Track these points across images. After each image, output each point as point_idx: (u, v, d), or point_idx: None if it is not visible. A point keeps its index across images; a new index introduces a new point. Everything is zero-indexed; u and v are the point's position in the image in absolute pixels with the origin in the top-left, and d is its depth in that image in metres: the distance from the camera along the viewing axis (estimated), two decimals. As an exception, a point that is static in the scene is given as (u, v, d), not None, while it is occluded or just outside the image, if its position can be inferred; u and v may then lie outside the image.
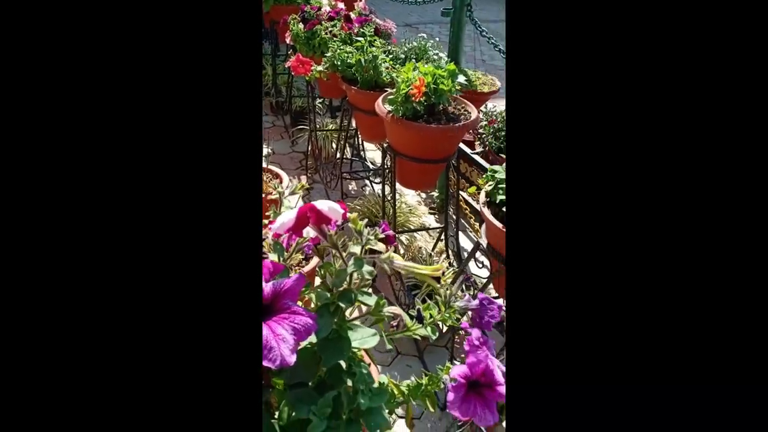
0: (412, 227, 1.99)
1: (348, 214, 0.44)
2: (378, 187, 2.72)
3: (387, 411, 0.55)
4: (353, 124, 2.20)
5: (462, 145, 2.02)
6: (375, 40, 1.81)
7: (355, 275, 0.44)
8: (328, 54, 1.85)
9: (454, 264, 1.74)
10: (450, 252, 1.79)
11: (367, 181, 2.64)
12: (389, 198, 1.69)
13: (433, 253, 1.89)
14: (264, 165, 2.20)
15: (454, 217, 1.77)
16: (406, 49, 1.98)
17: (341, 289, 0.43)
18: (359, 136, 2.74)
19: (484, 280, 1.26)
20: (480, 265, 1.68)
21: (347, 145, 2.76)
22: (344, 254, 0.44)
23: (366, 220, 0.48)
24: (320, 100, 2.97)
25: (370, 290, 0.45)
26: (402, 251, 2.01)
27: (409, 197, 2.55)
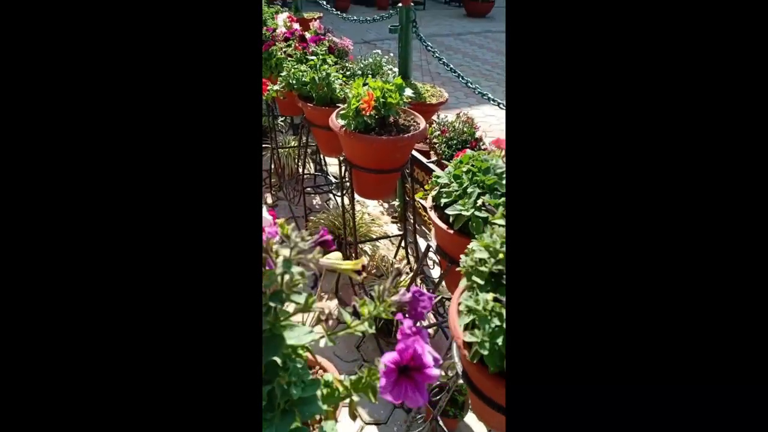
0: (374, 236, 2.03)
1: (276, 221, 0.49)
2: (343, 200, 2.77)
3: (328, 405, 0.59)
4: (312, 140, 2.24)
5: (418, 155, 2.10)
6: (327, 58, 1.88)
7: (286, 276, 0.48)
8: (283, 73, 1.90)
9: (414, 267, 1.80)
10: (410, 257, 1.85)
11: (331, 195, 2.68)
12: (349, 209, 1.74)
13: (395, 260, 1.94)
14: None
15: (413, 223, 1.83)
16: (362, 66, 2.06)
17: (272, 290, 0.48)
18: (320, 152, 2.79)
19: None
20: (433, 266, 1.73)
21: (311, 160, 2.81)
22: (276, 259, 0.49)
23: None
24: (282, 119, 3.01)
25: (302, 290, 0.49)
26: (367, 260, 2.05)
27: (371, 208, 2.61)
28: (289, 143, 2.81)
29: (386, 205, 2.67)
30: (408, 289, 0.60)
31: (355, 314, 0.57)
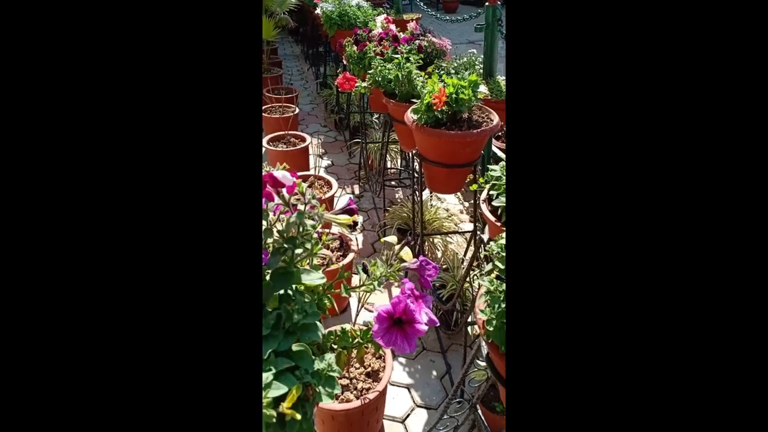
0: (445, 231, 2.08)
1: (296, 182, 0.60)
2: (426, 194, 2.84)
3: (341, 347, 0.69)
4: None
5: (498, 151, 2.09)
6: (411, 56, 1.97)
7: (300, 227, 0.59)
8: (371, 71, 2.04)
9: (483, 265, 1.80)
10: (480, 254, 1.86)
11: (412, 190, 2.77)
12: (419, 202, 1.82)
13: (465, 258, 1.97)
14: (322, 174, 2.44)
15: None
16: (455, 65, 2.12)
17: (288, 235, 0.59)
18: (403, 148, 2.90)
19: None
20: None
21: (399, 156, 2.94)
22: (294, 213, 0.60)
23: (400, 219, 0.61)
24: (376, 116, 3.19)
25: (313, 239, 0.59)
26: (439, 255, 2.11)
27: (451, 205, 2.65)
28: (379, 139, 2.98)
29: (467, 204, 2.68)
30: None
31: (365, 272, 0.65)
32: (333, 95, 3.80)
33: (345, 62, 2.49)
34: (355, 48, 2.37)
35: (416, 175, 1.84)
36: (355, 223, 0.62)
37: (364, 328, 0.69)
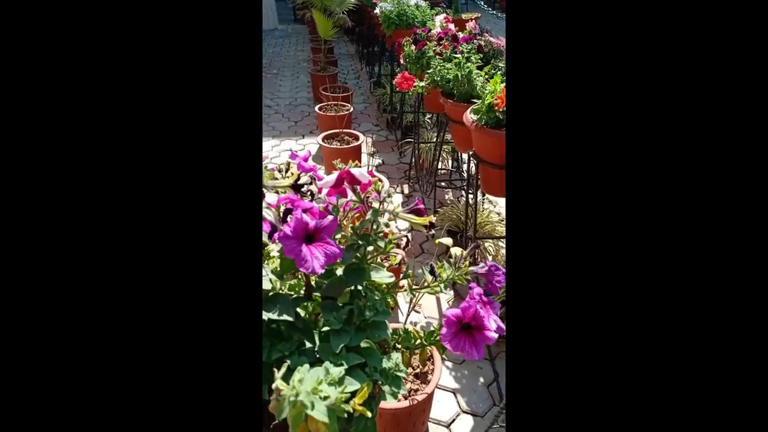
0: (497, 236, 2.03)
1: (372, 180, 0.60)
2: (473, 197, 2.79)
3: (405, 347, 0.69)
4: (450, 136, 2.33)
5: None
6: (472, 56, 1.94)
7: (375, 225, 0.59)
8: (430, 71, 2.03)
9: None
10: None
11: (463, 192, 2.74)
12: (473, 204, 1.79)
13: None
14: (373, 172, 2.47)
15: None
16: (511, 65, 2.07)
17: (362, 232, 0.59)
18: (457, 149, 2.86)
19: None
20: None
21: (450, 157, 2.91)
22: (370, 210, 0.60)
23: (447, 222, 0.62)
24: (429, 115, 3.18)
25: (383, 236, 0.60)
26: (490, 259, 2.06)
27: (503, 209, 2.58)
28: (431, 139, 2.96)
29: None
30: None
31: (432, 273, 0.65)
32: (386, 94, 3.82)
33: (402, 62, 2.50)
34: (413, 47, 2.36)
35: (470, 176, 1.81)
36: (432, 224, 0.62)
37: (429, 329, 0.69)
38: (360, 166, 0.69)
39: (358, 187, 0.60)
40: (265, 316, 0.56)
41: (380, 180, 2.37)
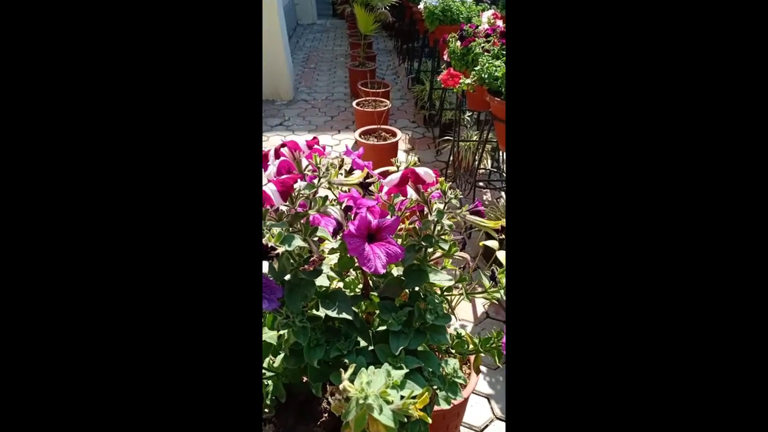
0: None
1: (439, 180, 0.58)
2: (514, 200, 2.72)
3: (457, 353, 0.67)
4: (493, 136, 2.28)
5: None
6: (522, 54, 1.88)
7: (438, 225, 0.57)
8: (477, 68, 1.98)
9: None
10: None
11: (503, 193, 2.67)
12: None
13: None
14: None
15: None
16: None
17: (424, 233, 0.57)
18: (500, 148, 2.80)
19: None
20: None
21: (489, 157, 2.85)
22: (433, 210, 0.58)
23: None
24: (468, 114, 3.12)
25: (447, 239, 0.57)
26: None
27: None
28: (470, 137, 2.90)
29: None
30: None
31: (493, 279, 0.62)
32: (425, 91, 3.78)
33: (446, 58, 2.45)
34: (458, 44, 2.32)
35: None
36: (503, 227, 0.59)
37: (483, 337, 0.66)
38: (400, 165, 0.67)
39: (421, 186, 0.58)
40: (323, 312, 0.55)
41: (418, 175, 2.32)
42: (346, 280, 0.63)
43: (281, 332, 0.55)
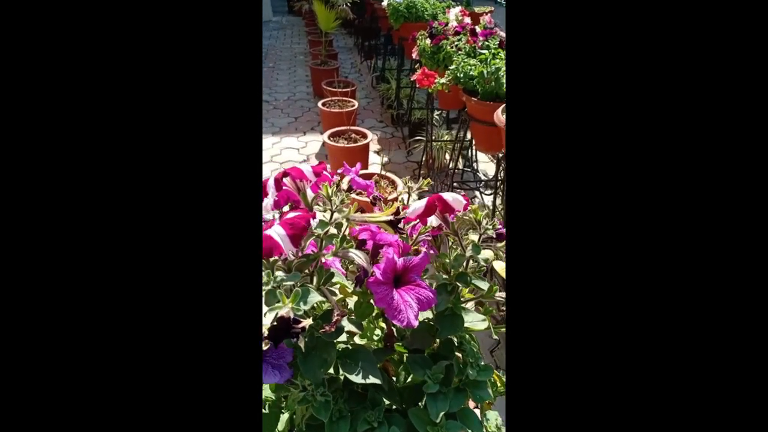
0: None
1: (469, 206, 0.50)
2: (488, 199, 2.70)
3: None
4: (468, 135, 2.24)
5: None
6: (499, 52, 1.84)
7: (471, 262, 0.49)
8: (452, 66, 1.92)
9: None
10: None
11: (477, 193, 2.64)
12: (500, 209, 1.70)
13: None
14: (382, 172, 2.36)
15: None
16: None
17: (458, 271, 0.49)
18: (473, 147, 2.77)
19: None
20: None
21: (460, 156, 2.81)
22: (463, 242, 0.50)
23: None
24: (438, 113, 3.07)
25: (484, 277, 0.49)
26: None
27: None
28: (442, 137, 2.86)
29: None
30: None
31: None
32: (392, 90, 3.70)
33: (415, 56, 2.38)
34: (428, 42, 2.25)
35: (498, 179, 1.72)
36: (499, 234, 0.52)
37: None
38: (368, 166, 0.58)
39: (450, 215, 0.49)
40: (344, 374, 0.45)
41: (393, 182, 2.26)
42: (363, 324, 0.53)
43: (290, 405, 0.45)
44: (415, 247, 0.53)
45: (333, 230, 0.46)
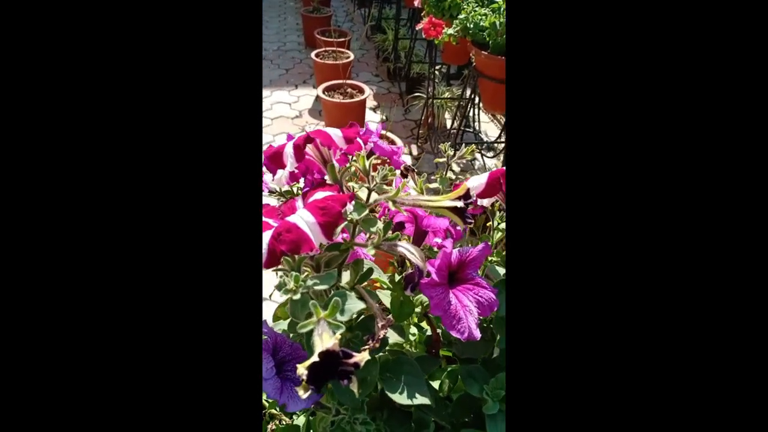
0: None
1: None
2: (490, 162, 2.60)
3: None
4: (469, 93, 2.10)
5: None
6: None
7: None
8: (461, 16, 1.76)
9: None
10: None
11: (478, 155, 2.54)
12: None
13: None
14: (383, 131, 2.22)
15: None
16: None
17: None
18: (475, 106, 2.62)
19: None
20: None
21: (459, 114, 2.67)
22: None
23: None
24: (438, 67, 2.89)
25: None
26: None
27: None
28: (442, 94, 2.70)
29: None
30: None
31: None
32: (389, 41, 3.47)
33: (417, 4, 2.19)
34: (434, -13, 2.05)
35: (502, 142, 1.61)
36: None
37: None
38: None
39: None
40: (389, 392, 0.37)
41: (393, 142, 2.14)
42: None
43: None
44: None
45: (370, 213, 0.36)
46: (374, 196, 0.36)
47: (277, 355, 0.39)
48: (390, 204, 0.36)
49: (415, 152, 2.69)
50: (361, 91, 2.62)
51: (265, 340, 0.38)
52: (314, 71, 3.18)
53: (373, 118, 2.98)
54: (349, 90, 2.64)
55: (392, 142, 2.24)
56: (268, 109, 3.04)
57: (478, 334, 0.35)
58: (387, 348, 0.41)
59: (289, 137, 0.50)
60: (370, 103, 3.14)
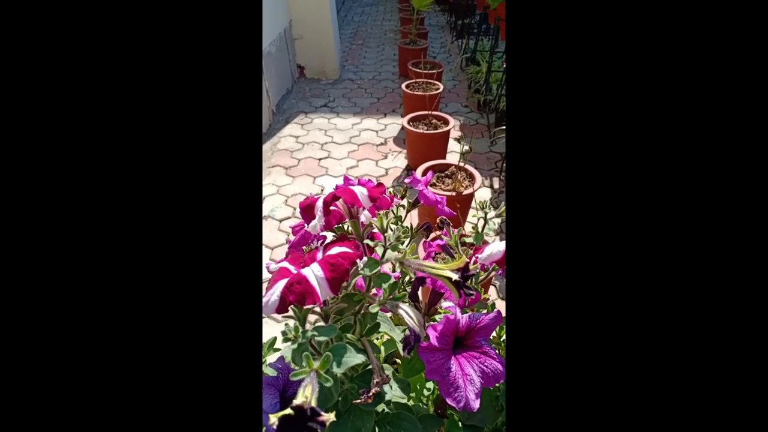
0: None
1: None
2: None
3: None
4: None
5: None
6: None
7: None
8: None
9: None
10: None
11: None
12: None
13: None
14: (460, 163, 2.21)
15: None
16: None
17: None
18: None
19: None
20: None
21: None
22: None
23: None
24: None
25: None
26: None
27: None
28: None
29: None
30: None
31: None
32: (481, 73, 3.47)
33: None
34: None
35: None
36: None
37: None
38: (447, 155, 0.47)
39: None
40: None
41: (471, 175, 2.10)
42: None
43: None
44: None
45: (386, 268, 0.38)
46: (389, 254, 0.37)
47: (286, 393, 0.41)
48: (397, 265, 0.37)
49: (497, 185, 2.63)
50: (446, 122, 2.65)
51: (275, 377, 0.41)
52: (403, 101, 3.29)
53: (455, 149, 2.99)
54: (434, 121, 2.69)
55: (471, 175, 2.22)
56: (356, 135, 3.20)
57: (476, 405, 0.34)
58: (393, 402, 0.42)
59: (346, 179, 0.54)
60: (455, 133, 3.15)
